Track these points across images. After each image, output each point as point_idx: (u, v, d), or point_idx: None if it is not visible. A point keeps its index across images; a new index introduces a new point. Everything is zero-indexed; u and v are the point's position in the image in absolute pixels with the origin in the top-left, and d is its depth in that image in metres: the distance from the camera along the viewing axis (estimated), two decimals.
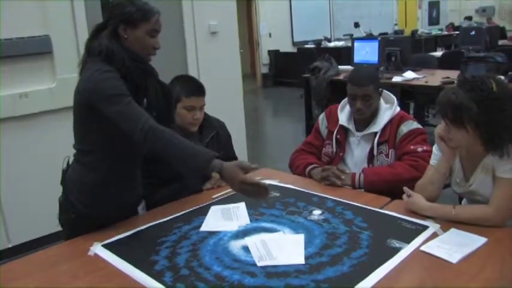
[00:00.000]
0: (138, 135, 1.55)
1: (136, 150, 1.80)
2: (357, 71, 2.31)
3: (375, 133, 2.22)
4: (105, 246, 1.66)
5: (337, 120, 2.33)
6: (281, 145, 6.03)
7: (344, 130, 2.32)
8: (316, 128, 2.45)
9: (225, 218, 1.83)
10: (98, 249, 1.64)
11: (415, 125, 2.17)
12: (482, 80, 1.57)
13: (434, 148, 1.81)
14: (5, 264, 1.66)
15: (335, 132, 2.32)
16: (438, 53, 6.88)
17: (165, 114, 1.80)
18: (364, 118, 2.23)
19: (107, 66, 1.63)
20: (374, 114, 2.24)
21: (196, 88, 2.17)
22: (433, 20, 14.45)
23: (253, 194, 1.57)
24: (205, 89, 2.21)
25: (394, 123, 2.20)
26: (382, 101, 2.28)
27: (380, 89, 2.25)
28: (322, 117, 2.45)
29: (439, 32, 11.71)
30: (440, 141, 1.70)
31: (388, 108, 2.25)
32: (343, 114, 2.33)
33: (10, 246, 3.18)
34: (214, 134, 2.31)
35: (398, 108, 2.26)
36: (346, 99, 2.31)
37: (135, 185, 1.90)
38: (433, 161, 1.82)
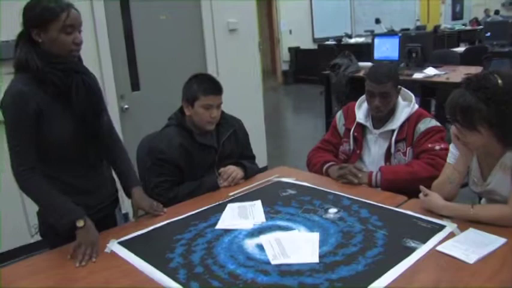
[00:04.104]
0: (16, 176, 1.63)
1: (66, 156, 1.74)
2: (376, 67, 2.28)
3: (393, 131, 2.20)
4: (121, 243, 1.69)
5: (355, 117, 2.31)
6: (301, 142, 6.01)
7: (361, 127, 2.30)
8: (333, 126, 2.44)
9: (241, 216, 1.84)
10: (114, 246, 1.67)
11: (433, 122, 2.14)
12: (486, 76, 1.53)
13: (451, 146, 1.78)
14: (26, 259, 1.70)
15: (352, 130, 2.31)
16: (461, 49, 6.74)
17: (89, 112, 1.71)
18: (381, 115, 2.20)
19: (19, 84, 1.61)
20: (392, 112, 2.22)
21: (213, 86, 2.17)
22: (457, 15, 14.18)
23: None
24: (222, 87, 2.21)
25: (412, 121, 2.17)
26: (400, 98, 2.25)
27: (398, 86, 2.22)
28: (339, 115, 2.43)
29: (463, 27, 11.47)
30: (458, 140, 1.66)
31: (406, 106, 2.22)
32: (361, 111, 2.31)
33: (32, 241, 3.25)
34: (232, 132, 2.31)
35: (416, 106, 2.23)
36: (363, 97, 2.29)
37: (90, 188, 1.82)
38: (450, 159, 1.79)
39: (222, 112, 2.30)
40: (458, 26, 11.55)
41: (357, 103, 2.34)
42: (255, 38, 4.53)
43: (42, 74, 1.61)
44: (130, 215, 1.95)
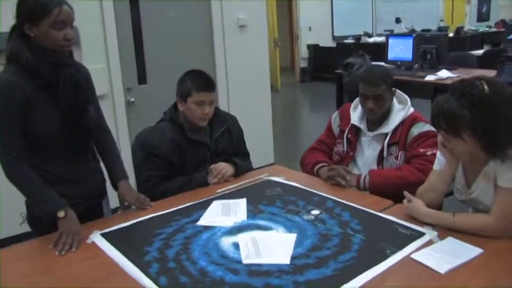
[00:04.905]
0: (2, 164, 1.67)
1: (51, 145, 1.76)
2: (369, 70, 2.26)
3: (386, 134, 2.17)
4: (104, 234, 1.72)
5: (350, 119, 2.30)
6: (312, 140, 5.96)
7: (356, 129, 2.28)
8: (328, 126, 2.43)
9: (223, 213, 1.84)
10: (96, 237, 1.70)
11: (426, 127, 2.11)
12: (472, 83, 1.49)
13: (439, 153, 1.75)
14: (10, 246, 1.75)
15: (346, 132, 2.29)
16: (480, 51, 6.59)
17: (75, 105, 1.73)
18: (375, 118, 2.18)
19: (7, 75, 1.65)
20: (386, 115, 2.19)
21: (206, 83, 2.18)
22: (483, 16, 13.81)
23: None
24: (215, 84, 2.22)
25: (406, 124, 2.15)
26: (395, 101, 2.22)
27: (393, 89, 2.19)
28: (335, 116, 2.42)
29: (487, 28, 11.18)
30: (443, 147, 1.63)
31: (401, 109, 2.19)
32: (356, 113, 2.30)
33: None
34: (225, 128, 2.32)
35: (411, 109, 2.20)
36: (358, 99, 2.27)
37: (75, 179, 1.84)
38: (436, 166, 1.76)
39: (216, 108, 2.32)
40: (482, 27, 11.27)
41: (352, 105, 2.32)
42: (265, 34, 4.52)
43: (31, 65, 1.65)
44: None
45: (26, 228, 1.90)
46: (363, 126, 2.26)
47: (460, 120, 1.48)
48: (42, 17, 1.61)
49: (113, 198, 2.06)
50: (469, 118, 1.46)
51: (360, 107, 2.28)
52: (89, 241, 1.68)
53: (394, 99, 2.21)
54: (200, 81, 2.17)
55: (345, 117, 2.33)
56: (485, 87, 1.47)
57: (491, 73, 4.27)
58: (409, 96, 2.26)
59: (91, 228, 1.76)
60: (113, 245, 1.62)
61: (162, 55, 3.83)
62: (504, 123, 1.45)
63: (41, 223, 1.75)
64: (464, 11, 13.13)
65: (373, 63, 5.40)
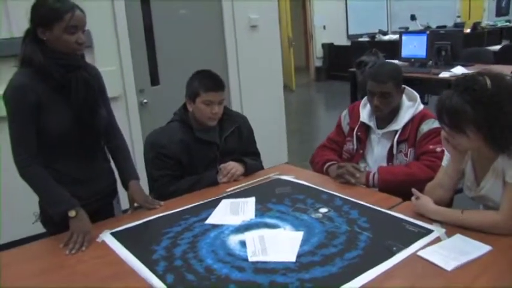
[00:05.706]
0: (16, 164, 1.71)
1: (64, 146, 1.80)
2: (378, 67, 2.25)
3: (396, 131, 2.16)
4: (113, 234, 1.74)
5: (359, 117, 2.29)
6: None
7: (365, 127, 2.27)
8: (338, 124, 2.42)
9: (231, 212, 1.85)
10: (106, 236, 1.72)
11: (436, 124, 2.08)
12: (474, 78, 1.47)
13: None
14: (24, 245, 1.79)
15: (356, 129, 2.28)
16: (497, 47, 6.47)
17: (85, 106, 1.77)
18: (382, 115, 2.17)
19: (21, 77, 1.69)
20: (395, 112, 2.18)
21: (215, 83, 2.19)
22: (502, 10, 13.52)
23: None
24: (224, 84, 2.23)
25: (416, 121, 2.13)
26: (405, 98, 2.21)
27: (402, 86, 2.17)
28: (344, 114, 2.41)
29: (507, 23, 10.97)
30: (447, 143, 1.62)
31: (410, 106, 2.18)
32: (365, 111, 2.29)
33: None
34: (235, 128, 2.33)
35: (421, 106, 2.18)
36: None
37: (85, 179, 1.87)
38: (444, 162, 1.74)
39: (227, 108, 2.33)
40: (501, 22, 11.05)
41: (362, 102, 2.31)
42: (277, 34, 4.52)
43: (43, 68, 1.69)
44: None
45: (35, 230, 1.94)
46: (372, 123, 2.25)
47: (462, 116, 1.46)
48: (55, 22, 1.66)
49: (124, 199, 2.09)
50: (472, 114, 1.44)
51: (369, 104, 2.26)
52: (99, 240, 1.71)
53: (404, 96, 2.19)
54: (208, 82, 2.18)
55: (355, 115, 2.33)
56: (488, 82, 1.45)
57: (508, 68, 4.19)
58: (423, 94, 2.24)
59: (101, 228, 1.79)
60: (122, 244, 1.65)
61: (174, 56, 3.86)
62: (508, 118, 1.43)
63: (54, 223, 1.78)
64: (483, 6, 12.89)
65: (386, 60, 5.38)
